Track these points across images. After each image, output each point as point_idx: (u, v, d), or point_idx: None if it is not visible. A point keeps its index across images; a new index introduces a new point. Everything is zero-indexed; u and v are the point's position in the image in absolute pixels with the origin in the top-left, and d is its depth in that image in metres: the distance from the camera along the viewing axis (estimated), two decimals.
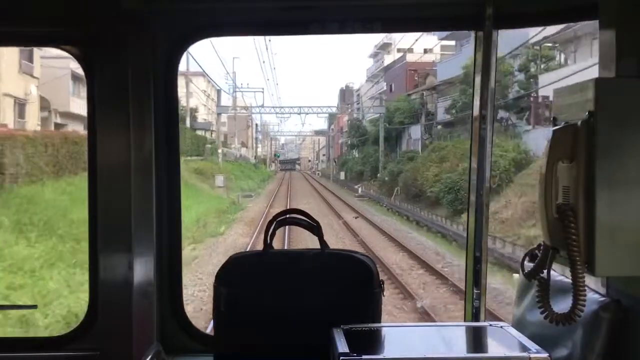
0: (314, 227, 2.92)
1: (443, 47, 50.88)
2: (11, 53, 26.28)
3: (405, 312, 13.90)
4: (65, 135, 26.60)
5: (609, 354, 2.26)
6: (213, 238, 24.06)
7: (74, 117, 35.14)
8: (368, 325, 2.70)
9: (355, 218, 31.12)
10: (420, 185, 34.37)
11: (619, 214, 2.09)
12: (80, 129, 32.04)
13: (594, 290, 2.37)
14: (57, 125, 33.94)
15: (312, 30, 3.26)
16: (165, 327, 3.35)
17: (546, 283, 2.25)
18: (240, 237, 24.36)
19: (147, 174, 3.18)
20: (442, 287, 15.88)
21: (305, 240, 18.24)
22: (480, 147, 3.29)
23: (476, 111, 3.27)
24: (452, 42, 48.18)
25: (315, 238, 2.96)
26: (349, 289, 2.83)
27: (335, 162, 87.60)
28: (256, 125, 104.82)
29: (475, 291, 3.30)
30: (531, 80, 34.73)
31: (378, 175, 50.75)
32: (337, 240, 22.12)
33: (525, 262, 2.57)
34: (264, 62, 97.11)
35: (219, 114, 56.02)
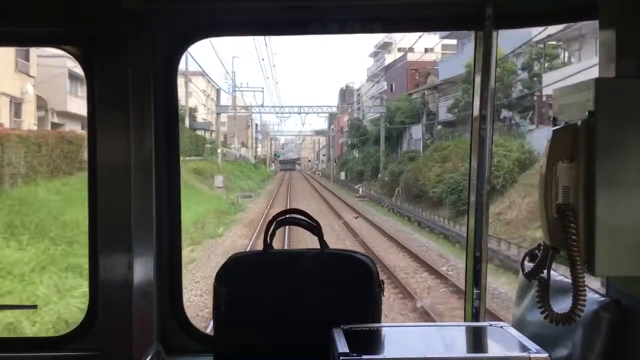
0: (314, 227, 2.92)
1: (444, 47, 50.90)
2: (7, 52, 25.97)
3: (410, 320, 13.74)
4: (60, 134, 26.32)
5: (609, 354, 2.26)
6: (211, 240, 23.97)
7: (71, 116, 34.92)
8: (368, 325, 2.70)
9: (355, 218, 31.10)
10: (421, 185, 34.25)
11: (619, 214, 2.09)
12: (77, 129, 31.83)
13: (594, 290, 2.38)
14: (54, 125, 33.70)
15: (312, 30, 3.27)
16: (165, 327, 3.35)
17: (546, 283, 2.25)
18: (239, 238, 24.28)
19: (147, 174, 3.18)
20: (449, 291, 15.68)
21: (305, 240, 18.19)
22: (480, 147, 3.29)
23: (476, 111, 3.28)
24: (454, 41, 48.17)
25: (315, 238, 2.96)
26: (349, 289, 2.83)
27: (335, 162, 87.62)
28: (256, 125, 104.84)
29: (475, 291, 3.30)
30: (535, 78, 34.58)
31: (379, 175, 50.68)
32: (338, 241, 22.04)
33: (525, 262, 2.57)
34: (263, 59, 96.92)
35: (218, 114, 55.93)
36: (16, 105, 29.15)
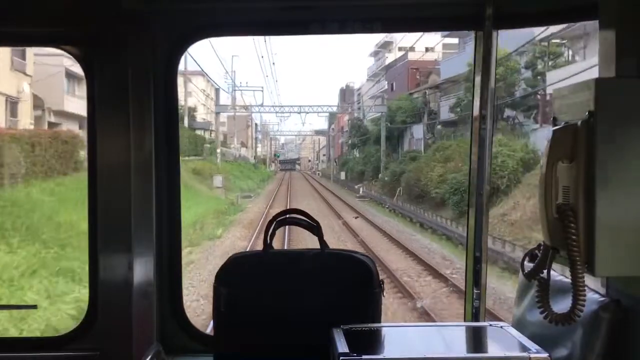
0: (314, 227, 2.93)
1: (445, 45, 50.80)
2: (3, 50, 25.37)
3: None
4: (55, 134, 25.66)
5: (609, 354, 2.26)
6: (210, 241, 23.79)
7: (69, 115, 34.53)
8: (368, 325, 2.71)
9: (355, 218, 31.06)
10: (423, 185, 34.02)
11: (619, 214, 2.09)
12: (75, 128, 31.46)
13: (594, 290, 2.37)
14: (51, 124, 33.21)
15: (312, 30, 3.27)
16: (165, 327, 3.35)
17: (546, 283, 2.25)
18: (238, 240, 24.12)
19: (147, 174, 3.19)
20: (455, 297, 15.33)
21: (305, 241, 18.16)
22: (480, 147, 3.30)
23: (476, 111, 3.28)
24: (455, 40, 48.04)
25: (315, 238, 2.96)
26: (348, 289, 2.83)
27: (335, 162, 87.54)
28: (256, 124, 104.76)
29: (475, 291, 3.30)
30: (538, 77, 34.26)
31: (379, 175, 50.59)
32: (338, 242, 21.97)
33: (525, 262, 2.57)
34: (262, 57, 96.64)
35: (217, 113, 55.86)
36: (12, 105, 28.75)
